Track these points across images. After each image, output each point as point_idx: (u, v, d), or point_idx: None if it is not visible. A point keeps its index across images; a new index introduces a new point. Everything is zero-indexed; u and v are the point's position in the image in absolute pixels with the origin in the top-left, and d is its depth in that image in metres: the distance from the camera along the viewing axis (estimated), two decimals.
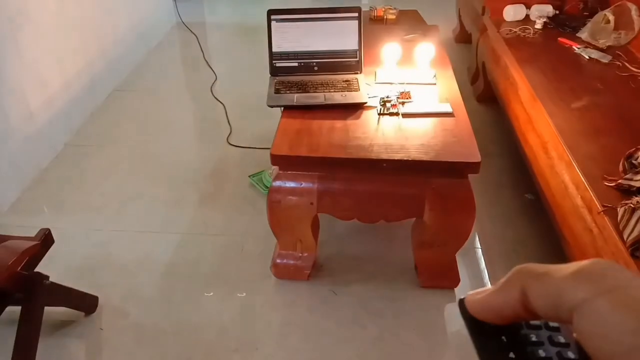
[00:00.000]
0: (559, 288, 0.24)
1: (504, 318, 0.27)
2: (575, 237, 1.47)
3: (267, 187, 2.06)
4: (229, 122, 2.61)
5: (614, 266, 0.23)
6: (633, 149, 1.45)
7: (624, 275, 0.23)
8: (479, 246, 1.87)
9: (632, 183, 1.33)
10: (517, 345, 0.27)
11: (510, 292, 0.26)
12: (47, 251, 1.36)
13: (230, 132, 2.52)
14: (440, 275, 1.68)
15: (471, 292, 0.29)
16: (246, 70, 3.18)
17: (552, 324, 0.28)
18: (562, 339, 0.27)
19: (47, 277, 1.34)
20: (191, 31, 3.68)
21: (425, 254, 1.64)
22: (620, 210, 1.26)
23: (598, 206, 1.34)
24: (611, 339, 0.21)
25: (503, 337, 0.28)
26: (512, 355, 0.27)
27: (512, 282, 0.26)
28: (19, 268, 1.25)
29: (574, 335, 0.27)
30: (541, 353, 0.27)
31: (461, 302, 0.31)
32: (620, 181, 1.36)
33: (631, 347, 0.21)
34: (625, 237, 1.22)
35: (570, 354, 0.27)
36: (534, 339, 0.27)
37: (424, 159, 1.42)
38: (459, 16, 3.48)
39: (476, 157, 1.40)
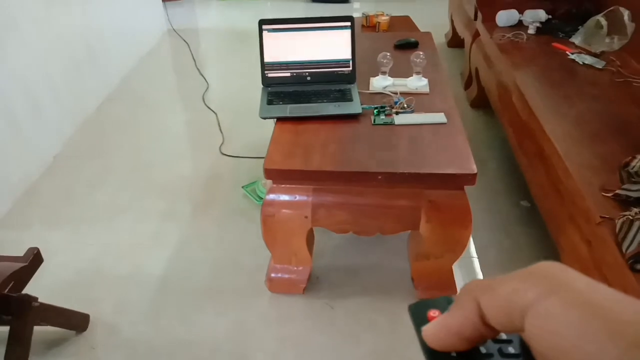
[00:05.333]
0: (509, 293, 0.24)
1: (467, 339, 0.26)
2: (572, 247, 1.45)
3: (260, 197, 2.03)
4: (221, 131, 2.58)
5: (557, 266, 0.24)
6: (629, 158, 1.44)
7: (567, 274, 0.24)
8: (475, 255, 1.85)
9: (630, 194, 1.31)
10: (466, 358, 0.27)
11: (466, 308, 0.26)
12: (35, 271, 1.32)
13: (223, 141, 2.50)
14: (437, 287, 1.66)
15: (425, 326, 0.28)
16: (238, 77, 3.16)
17: (502, 336, 0.28)
18: (512, 350, 0.27)
19: (35, 299, 1.30)
20: (182, 38, 3.65)
21: (422, 266, 1.62)
22: (619, 222, 1.24)
23: (596, 216, 1.32)
24: (561, 334, 0.22)
25: (453, 353, 0.27)
26: None
27: (466, 298, 0.26)
28: (6, 290, 1.22)
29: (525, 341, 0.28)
30: None
31: (411, 310, 0.30)
32: (617, 191, 1.34)
33: (578, 338, 0.22)
34: (624, 249, 1.20)
35: None
36: (483, 351, 0.27)
37: (420, 171, 1.39)
38: (451, 20, 3.47)
39: (472, 168, 1.38)
